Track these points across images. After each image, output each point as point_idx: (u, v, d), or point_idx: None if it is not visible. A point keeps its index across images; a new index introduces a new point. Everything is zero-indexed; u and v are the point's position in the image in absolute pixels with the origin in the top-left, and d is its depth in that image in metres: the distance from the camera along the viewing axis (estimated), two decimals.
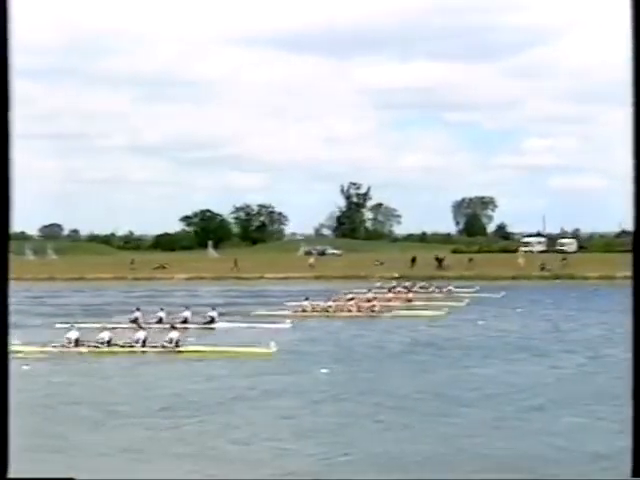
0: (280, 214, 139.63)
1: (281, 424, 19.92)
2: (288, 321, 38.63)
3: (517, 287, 62.11)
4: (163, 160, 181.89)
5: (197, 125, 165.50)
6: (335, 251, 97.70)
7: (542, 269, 72.01)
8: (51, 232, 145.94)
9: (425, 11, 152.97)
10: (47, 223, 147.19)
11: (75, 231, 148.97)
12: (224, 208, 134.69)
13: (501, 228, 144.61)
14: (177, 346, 30.21)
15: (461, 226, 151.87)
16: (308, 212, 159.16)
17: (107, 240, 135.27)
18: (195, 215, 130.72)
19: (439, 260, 79.81)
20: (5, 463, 2.70)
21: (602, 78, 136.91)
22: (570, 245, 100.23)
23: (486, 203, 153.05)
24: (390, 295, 53.15)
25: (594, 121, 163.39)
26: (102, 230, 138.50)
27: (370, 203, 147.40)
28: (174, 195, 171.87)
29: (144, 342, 30.57)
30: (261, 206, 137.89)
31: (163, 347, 30.14)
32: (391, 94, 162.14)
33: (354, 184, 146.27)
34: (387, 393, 23.06)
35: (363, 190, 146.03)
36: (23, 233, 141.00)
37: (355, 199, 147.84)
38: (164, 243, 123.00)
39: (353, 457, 16.95)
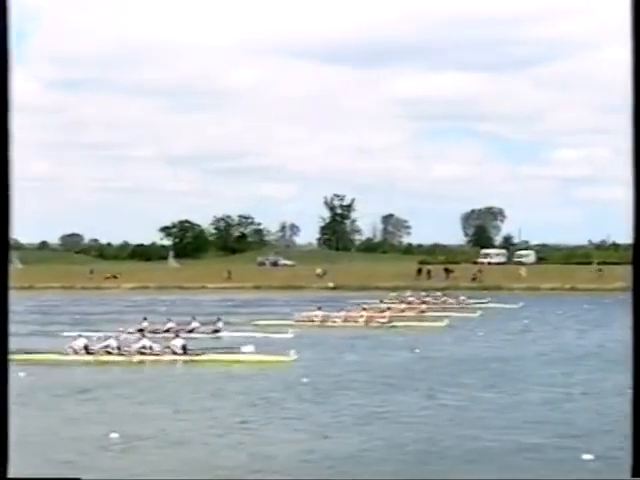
0: (259, 224, 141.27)
1: None
2: (290, 331, 38.33)
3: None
4: (191, 170, 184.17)
5: (227, 135, 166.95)
6: (287, 262, 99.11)
7: (473, 280, 73.13)
8: (71, 241, 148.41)
9: (456, 23, 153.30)
10: (68, 232, 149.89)
11: (95, 240, 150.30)
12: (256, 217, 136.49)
13: (507, 239, 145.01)
14: (185, 353, 30.24)
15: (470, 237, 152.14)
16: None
17: (101, 249, 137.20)
18: (174, 225, 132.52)
19: (447, 271, 79.33)
20: (5, 463, 2.65)
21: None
22: (528, 257, 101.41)
23: (494, 214, 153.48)
24: (403, 306, 51.92)
25: (623, 132, 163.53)
26: (126, 240, 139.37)
27: (354, 214, 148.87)
28: (201, 205, 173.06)
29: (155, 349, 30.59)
30: (242, 217, 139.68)
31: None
32: (421, 105, 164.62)
33: (337, 195, 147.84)
34: None
35: (347, 202, 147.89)
36: (45, 243, 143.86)
37: (339, 210, 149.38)
38: (140, 253, 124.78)
39: None
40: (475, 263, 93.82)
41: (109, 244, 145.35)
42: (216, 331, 38.08)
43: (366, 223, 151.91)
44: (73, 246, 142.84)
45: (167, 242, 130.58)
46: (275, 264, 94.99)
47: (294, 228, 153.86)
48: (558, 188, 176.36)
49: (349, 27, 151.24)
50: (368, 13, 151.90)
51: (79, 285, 78.56)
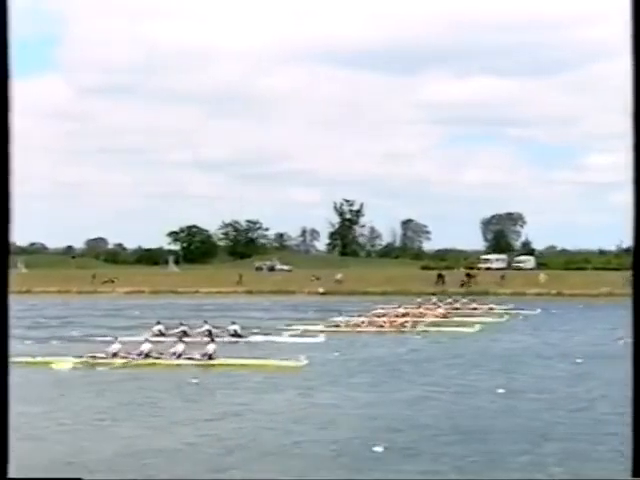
0: (267, 229, 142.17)
1: None
2: (322, 335, 38.24)
3: None
4: (223, 175, 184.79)
5: (258, 141, 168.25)
6: (284, 267, 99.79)
7: (461, 285, 73.46)
8: (96, 245, 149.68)
9: (484, 27, 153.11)
10: (93, 237, 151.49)
11: (119, 245, 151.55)
12: (282, 222, 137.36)
13: (525, 244, 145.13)
14: (210, 358, 29.92)
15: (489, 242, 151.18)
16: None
17: (115, 254, 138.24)
18: (182, 231, 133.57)
19: (469, 276, 78.65)
20: (5, 463, 2.65)
21: None
22: (527, 262, 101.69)
23: (514, 219, 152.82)
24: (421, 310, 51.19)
25: None
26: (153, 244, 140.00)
27: (363, 220, 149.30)
28: (233, 209, 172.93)
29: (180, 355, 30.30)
30: (250, 222, 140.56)
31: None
32: (450, 110, 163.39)
33: (347, 201, 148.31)
34: None
35: (356, 207, 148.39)
36: (70, 247, 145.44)
37: (348, 215, 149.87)
38: (147, 258, 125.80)
39: None
40: (471, 268, 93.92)
41: (123, 248, 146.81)
42: (235, 335, 37.19)
43: (386, 228, 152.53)
44: (97, 250, 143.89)
45: (175, 247, 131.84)
46: (272, 269, 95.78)
47: (314, 233, 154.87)
48: (590, 193, 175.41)
49: (379, 34, 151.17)
50: (398, 20, 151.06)
51: (76, 289, 79.56)
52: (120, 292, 78.13)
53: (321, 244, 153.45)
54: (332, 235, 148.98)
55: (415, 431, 19.55)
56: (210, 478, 16.22)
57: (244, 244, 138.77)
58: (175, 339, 32.93)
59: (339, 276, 79.10)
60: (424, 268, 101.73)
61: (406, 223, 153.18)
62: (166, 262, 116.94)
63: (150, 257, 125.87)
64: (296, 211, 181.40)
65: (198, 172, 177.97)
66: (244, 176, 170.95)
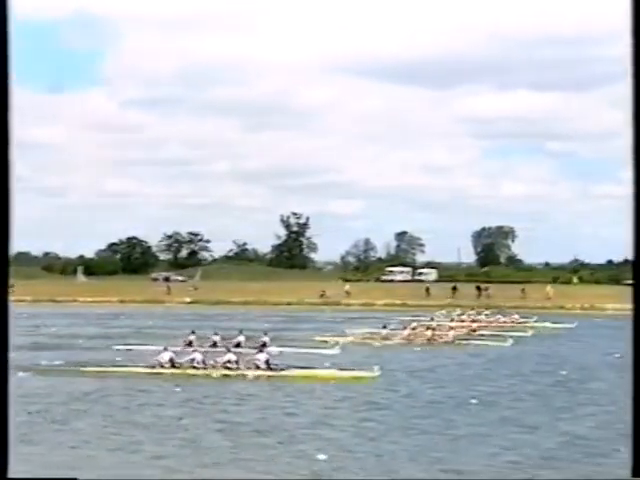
0: (208, 241, 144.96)
1: None
2: (337, 347, 38.38)
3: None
4: (262, 187, 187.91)
5: (298, 152, 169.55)
6: (178, 277, 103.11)
7: (320, 296, 76.42)
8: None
9: (523, 41, 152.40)
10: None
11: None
12: (322, 233, 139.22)
13: (511, 258, 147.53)
14: (269, 369, 29.83)
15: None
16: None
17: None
18: (121, 242, 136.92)
19: (479, 289, 78.88)
20: (5, 463, 2.75)
21: None
22: (429, 275, 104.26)
23: (505, 233, 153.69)
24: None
25: None
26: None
27: (309, 232, 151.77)
28: (270, 221, 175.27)
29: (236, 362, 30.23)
30: (191, 234, 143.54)
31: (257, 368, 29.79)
32: (491, 124, 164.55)
33: (295, 214, 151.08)
34: None
35: (303, 220, 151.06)
36: (82, 257, 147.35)
37: (295, 228, 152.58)
38: (87, 268, 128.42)
39: None
40: (377, 280, 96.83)
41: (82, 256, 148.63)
42: (263, 346, 35.25)
43: (381, 241, 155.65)
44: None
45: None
46: (167, 279, 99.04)
47: (311, 245, 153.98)
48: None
49: (420, 47, 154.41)
50: (439, 34, 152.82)
51: None
52: (11, 300, 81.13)
53: (318, 256, 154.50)
54: (279, 247, 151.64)
55: None
56: (218, 478, 16.90)
57: (187, 256, 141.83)
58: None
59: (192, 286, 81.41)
60: (347, 280, 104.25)
61: (400, 235, 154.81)
62: (107, 273, 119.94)
63: (90, 267, 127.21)
64: (336, 223, 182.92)
65: (238, 183, 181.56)
66: (283, 187, 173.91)
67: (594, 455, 18.81)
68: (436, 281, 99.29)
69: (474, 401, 25.54)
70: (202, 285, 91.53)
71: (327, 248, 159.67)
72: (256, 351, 31.67)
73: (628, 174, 3.38)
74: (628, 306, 3.52)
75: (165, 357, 30.39)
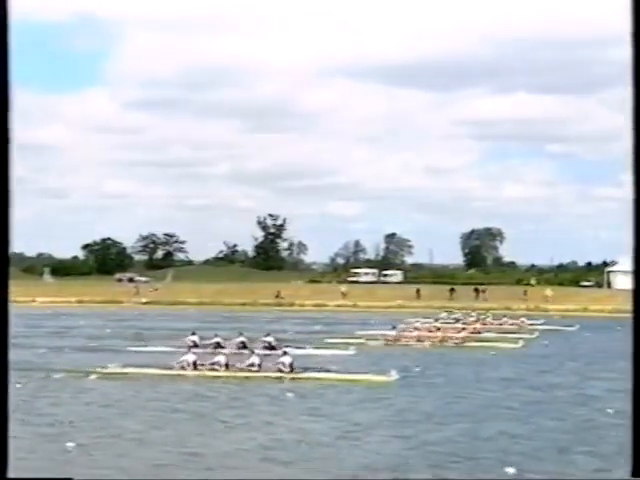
0: (183, 242, 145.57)
1: None
2: (352, 348, 38.39)
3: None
4: (263, 188, 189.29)
5: (299, 155, 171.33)
6: (141, 278, 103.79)
7: (276, 297, 77.13)
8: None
9: (525, 44, 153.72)
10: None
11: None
12: (322, 235, 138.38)
13: (497, 259, 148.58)
14: (292, 371, 29.93)
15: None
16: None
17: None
18: (95, 243, 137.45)
19: (477, 290, 79.76)
20: (5, 463, 2.71)
21: None
22: (394, 276, 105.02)
23: (493, 235, 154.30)
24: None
25: None
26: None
27: (287, 234, 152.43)
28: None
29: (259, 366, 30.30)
30: (167, 235, 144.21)
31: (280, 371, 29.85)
32: (492, 126, 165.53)
33: (271, 215, 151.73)
34: None
35: (279, 222, 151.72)
36: (76, 257, 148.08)
37: (272, 230, 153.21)
38: (59, 270, 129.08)
39: None
40: (339, 282, 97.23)
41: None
42: (270, 347, 35.97)
43: (371, 242, 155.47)
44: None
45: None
46: (131, 280, 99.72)
47: (301, 246, 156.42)
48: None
49: (421, 50, 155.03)
50: (440, 36, 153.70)
51: None
52: None
53: (308, 257, 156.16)
54: (256, 249, 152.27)
55: None
56: (207, 478, 17.15)
57: (163, 257, 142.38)
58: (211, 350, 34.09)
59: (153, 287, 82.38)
60: (312, 282, 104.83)
61: (390, 237, 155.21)
62: (80, 274, 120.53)
63: (63, 269, 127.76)
64: (337, 225, 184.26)
65: (239, 185, 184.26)
66: (284, 189, 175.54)
67: None
68: (400, 283, 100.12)
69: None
70: (171, 286, 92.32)
71: (327, 250, 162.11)
72: (281, 353, 31.39)
73: (628, 177, 3.36)
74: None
75: (189, 359, 30.74)
